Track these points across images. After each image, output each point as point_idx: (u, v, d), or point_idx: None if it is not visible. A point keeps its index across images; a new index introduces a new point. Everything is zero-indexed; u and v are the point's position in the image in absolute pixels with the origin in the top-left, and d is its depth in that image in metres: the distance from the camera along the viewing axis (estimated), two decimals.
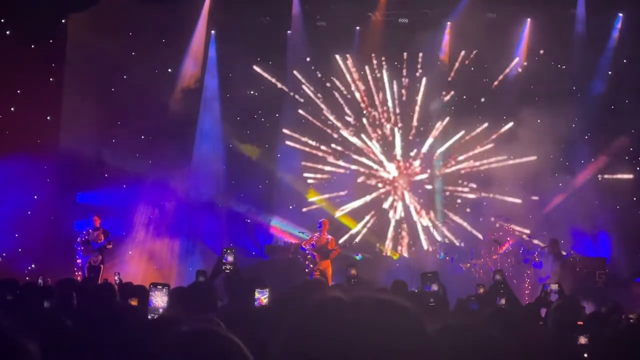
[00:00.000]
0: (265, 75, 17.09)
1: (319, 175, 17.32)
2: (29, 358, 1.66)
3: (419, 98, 16.89)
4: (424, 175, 16.99)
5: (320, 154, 17.39)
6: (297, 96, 17.27)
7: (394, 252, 16.22)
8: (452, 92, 16.53)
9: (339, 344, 1.25)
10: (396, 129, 17.15)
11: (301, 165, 17.23)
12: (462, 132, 16.52)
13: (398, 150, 17.20)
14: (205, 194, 16.27)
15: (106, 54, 14.75)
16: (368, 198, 17.10)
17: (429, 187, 16.95)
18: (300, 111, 17.27)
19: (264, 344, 3.14)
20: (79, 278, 12.13)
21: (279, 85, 17.22)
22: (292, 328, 1.34)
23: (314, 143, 17.39)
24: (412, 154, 17.16)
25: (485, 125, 16.25)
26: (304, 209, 16.96)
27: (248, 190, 16.81)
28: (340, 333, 1.27)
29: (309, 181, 17.31)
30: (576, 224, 14.80)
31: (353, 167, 17.29)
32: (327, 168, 17.37)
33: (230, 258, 6.59)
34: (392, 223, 16.88)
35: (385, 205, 17.02)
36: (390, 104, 17.21)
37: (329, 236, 12.66)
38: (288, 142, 17.20)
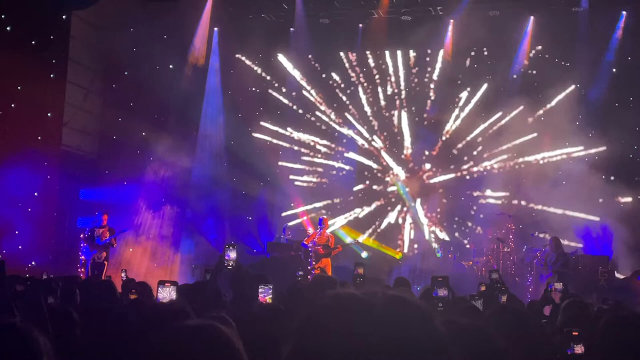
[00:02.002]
0: (267, 72, 17.11)
1: (306, 177, 17.24)
2: (39, 351, 1.68)
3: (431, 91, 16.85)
4: (442, 178, 16.85)
5: (319, 155, 17.32)
6: (298, 94, 17.26)
7: (397, 252, 16.18)
8: (468, 89, 16.46)
9: (352, 338, 1.25)
10: (404, 112, 16.94)
11: (302, 162, 17.22)
12: (481, 127, 16.46)
13: (407, 141, 16.96)
14: (207, 192, 16.26)
15: (107, 50, 14.75)
16: (374, 206, 17.03)
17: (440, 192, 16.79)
18: (308, 116, 17.25)
19: (270, 339, 3.16)
20: (82, 274, 12.15)
21: (278, 84, 17.24)
22: (305, 323, 1.34)
23: (309, 139, 17.29)
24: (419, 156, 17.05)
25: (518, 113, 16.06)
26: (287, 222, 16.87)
27: (248, 189, 16.82)
28: (353, 328, 1.27)
29: (297, 184, 17.22)
30: (579, 221, 14.80)
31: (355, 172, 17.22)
32: (320, 169, 17.30)
33: (232, 254, 6.57)
34: (404, 232, 16.80)
35: (392, 217, 16.92)
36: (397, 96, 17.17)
37: (330, 234, 12.68)
38: (255, 134, 17.05)
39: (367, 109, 17.27)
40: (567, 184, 15.05)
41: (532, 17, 15.63)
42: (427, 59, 16.73)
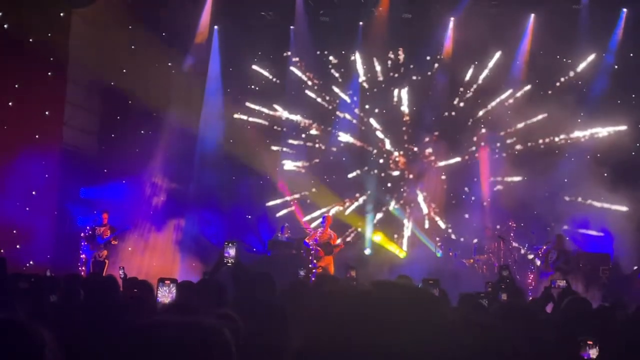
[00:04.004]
0: (267, 70, 17.05)
1: (300, 163, 17.09)
2: (44, 349, 1.66)
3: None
4: (444, 163, 16.63)
5: (317, 140, 17.19)
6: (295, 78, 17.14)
7: (401, 250, 16.04)
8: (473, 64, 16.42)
9: (363, 331, 1.25)
10: (404, 91, 16.78)
11: (305, 159, 17.12)
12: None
13: (406, 116, 16.80)
14: (207, 191, 16.23)
15: (106, 47, 14.69)
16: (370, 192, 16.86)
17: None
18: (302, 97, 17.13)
19: (272, 335, 3.14)
20: (82, 273, 12.13)
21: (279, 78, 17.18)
22: (314, 319, 1.33)
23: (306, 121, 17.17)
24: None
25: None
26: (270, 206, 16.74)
27: (249, 186, 16.79)
28: (363, 320, 1.26)
29: (286, 168, 17.04)
30: (580, 218, 14.81)
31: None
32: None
33: (231, 251, 6.54)
34: (405, 224, 16.64)
35: (392, 206, 16.81)
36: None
37: (332, 232, 12.66)
38: (236, 115, 16.93)
39: (367, 91, 17.14)
40: (567, 177, 15.07)
41: (532, 15, 15.65)
42: (428, 57, 16.67)
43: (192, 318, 1.60)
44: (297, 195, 16.99)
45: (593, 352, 3.57)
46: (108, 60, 14.93)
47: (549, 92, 15.76)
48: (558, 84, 15.68)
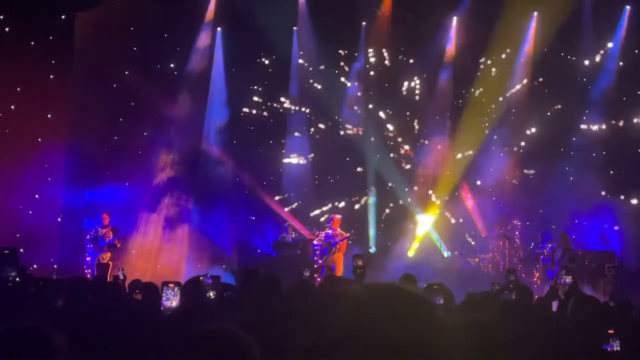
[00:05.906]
0: (270, 68, 17.05)
1: (300, 161, 17.09)
2: (56, 352, 1.68)
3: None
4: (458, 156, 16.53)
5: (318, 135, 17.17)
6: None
7: (412, 248, 15.95)
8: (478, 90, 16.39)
9: (353, 332, 1.26)
10: (413, 84, 16.70)
11: (309, 155, 17.09)
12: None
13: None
14: (210, 192, 16.24)
15: (108, 49, 14.72)
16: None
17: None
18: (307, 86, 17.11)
19: (282, 338, 3.15)
20: (88, 275, 12.14)
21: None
22: (308, 321, 1.35)
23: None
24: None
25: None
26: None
27: (253, 186, 16.80)
28: (352, 322, 1.28)
29: (291, 161, 17.00)
30: (585, 217, 14.78)
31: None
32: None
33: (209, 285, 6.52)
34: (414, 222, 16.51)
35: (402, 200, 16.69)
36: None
37: (340, 232, 12.63)
38: (245, 109, 16.93)
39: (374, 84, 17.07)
40: (573, 175, 15.05)
41: (535, 13, 15.63)
42: (432, 56, 16.64)
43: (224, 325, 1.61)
44: (277, 198, 16.90)
45: (616, 344, 3.57)
46: (111, 62, 14.95)
47: (553, 89, 15.72)
48: (564, 80, 15.63)
